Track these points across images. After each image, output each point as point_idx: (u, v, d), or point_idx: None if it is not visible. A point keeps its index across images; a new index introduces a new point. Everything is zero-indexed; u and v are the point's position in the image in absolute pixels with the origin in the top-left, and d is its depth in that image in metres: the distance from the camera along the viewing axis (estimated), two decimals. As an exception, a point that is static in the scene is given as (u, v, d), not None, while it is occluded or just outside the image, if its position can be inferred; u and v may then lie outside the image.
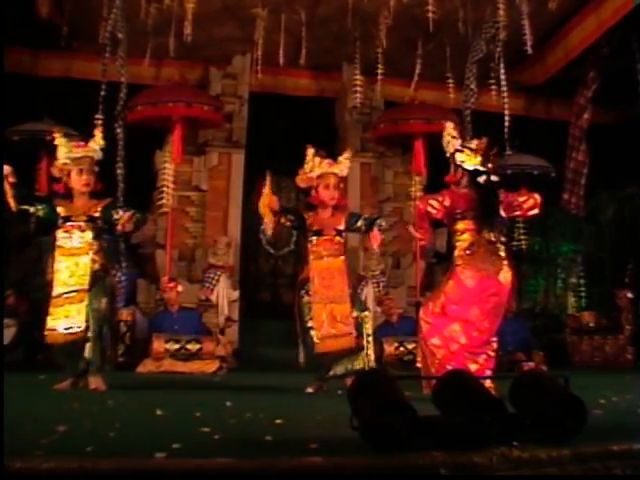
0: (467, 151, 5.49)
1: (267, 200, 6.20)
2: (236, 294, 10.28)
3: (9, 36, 9.96)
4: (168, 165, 10.18)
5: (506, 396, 3.17)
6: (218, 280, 10.08)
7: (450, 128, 5.70)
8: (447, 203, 5.46)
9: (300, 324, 6.30)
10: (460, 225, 5.47)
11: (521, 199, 5.69)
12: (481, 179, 5.35)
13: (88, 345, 5.81)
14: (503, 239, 5.56)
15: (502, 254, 5.44)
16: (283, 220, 6.30)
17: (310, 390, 6.02)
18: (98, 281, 5.89)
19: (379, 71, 9.45)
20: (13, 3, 9.19)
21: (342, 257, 6.30)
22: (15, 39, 10.25)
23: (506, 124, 9.02)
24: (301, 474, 2.51)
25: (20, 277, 9.56)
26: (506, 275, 5.40)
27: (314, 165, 6.33)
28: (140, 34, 9.21)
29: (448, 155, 5.65)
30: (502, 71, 8.97)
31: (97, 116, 8.63)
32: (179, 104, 9.95)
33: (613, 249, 11.13)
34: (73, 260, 5.87)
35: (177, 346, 8.60)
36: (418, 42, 9.77)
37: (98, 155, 6.13)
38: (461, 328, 5.30)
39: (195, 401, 5.04)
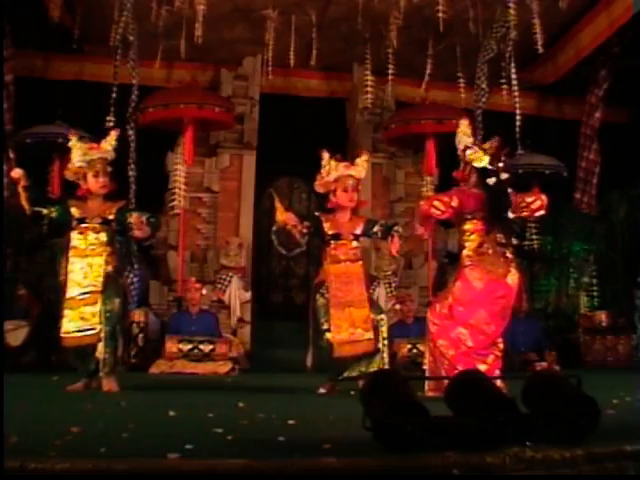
0: (478, 149, 5.48)
1: (283, 218, 6.24)
2: (248, 295, 10.28)
3: (21, 39, 10.04)
4: (180, 167, 10.21)
5: (519, 396, 3.17)
6: (230, 281, 10.10)
7: (464, 125, 5.68)
8: (455, 204, 5.41)
9: (314, 326, 6.29)
10: (469, 225, 5.45)
11: (529, 200, 5.68)
12: (490, 181, 5.32)
13: (100, 345, 5.84)
14: (513, 241, 5.52)
15: (510, 256, 5.43)
16: (301, 229, 6.28)
17: (322, 391, 6.02)
18: (111, 283, 5.91)
19: (390, 71, 9.43)
20: (25, 7, 9.25)
21: (360, 262, 6.31)
22: (27, 42, 10.32)
23: (517, 124, 8.99)
24: (314, 474, 2.51)
25: (33, 279, 9.59)
26: (514, 277, 5.39)
27: (330, 169, 6.32)
28: (151, 36, 9.24)
29: (459, 152, 5.64)
30: (513, 70, 8.95)
31: (109, 118, 8.66)
32: (190, 106, 9.97)
33: (625, 248, 11.07)
34: (87, 261, 5.90)
35: (190, 347, 8.61)
36: (429, 42, 9.75)
37: (111, 155, 6.16)
38: (468, 331, 5.29)
39: (208, 402, 5.05)
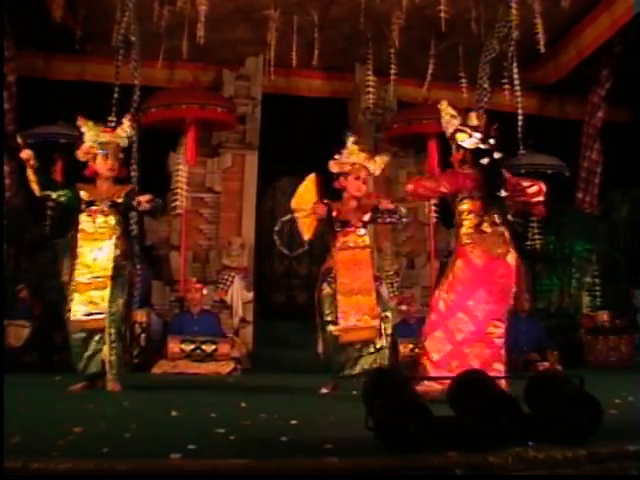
0: (468, 130, 5.46)
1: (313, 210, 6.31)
2: (250, 295, 10.29)
3: (23, 40, 10.04)
4: (182, 167, 10.21)
5: (521, 396, 3.17)
6: (232, 281, 10.09)
7: (446, 106, 5.64)
8: (445, 189, 5.46)
9: (319, 316, 6.30)
10: (466, 205, 5.42)
11: (525, 184, 5.68)
12: (484, 161, 5.29)
13: (105, 348, 5.85)
14: (509, 218, 5.53)
15: (507, 236, 5.44)
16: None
17: (325, 391, 6.02)
18: (119, 274, 5.95)
19: (392, 71, 9.43)
20: (27, 7, 9.25)
21: (368, 249, 6.36)
22: (29, 43, 10.32)
23: (519, 123, 8.98)
24: (316, 475, 2.52)
25: (35, 279, 9.60)
26: (513, 257, 5.40)
27: (352, 152, 6.37)
28: (153, 37, 9.24)
29: (448, 135, 5.61)
30: (515, 70, 8.94)
31: (110, 119, 8.66)
32: (193, 106, 9.97)
33: (628, 248, 11.06)
34: (96, 245, 5.94)
35: (192, 347, 8.62)
36: (431, 42, 9.74)
37: (124, 142, 6.25)
38: (466, 315, 5.21)
39: (210, 402, 5.05)
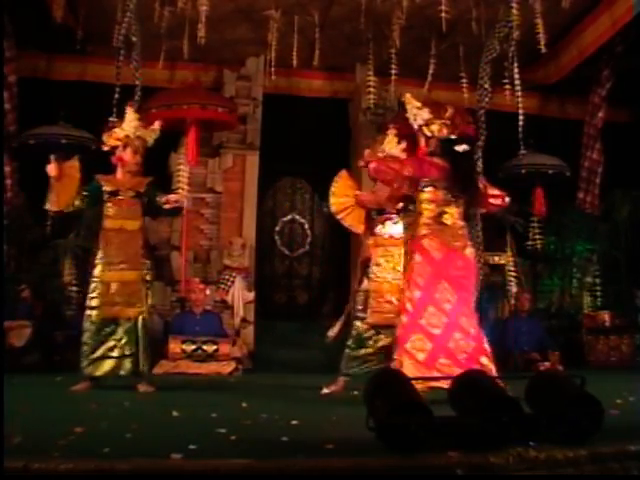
0: (438, 122, 5.43)
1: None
2: (251, 295, 10.29)
3: (24, 40, 10.04)
4: (183, 167, 10.20)
5: (522, 396, 3.17)
6: (233, 282, 10.10)
7: (411, 99, 5.62)
8: (408, 173, 5.32)
9: (353, 308, 6.47)
10: (428, 194, 5.30)
11: (492, 192, 5.54)
12: (460, 148, 5.25)
13: (141, 357, 6.00)
14: (476, 213, 5.42)
15: (465, 232, 5.33)
16: None
17: (326, 391, 6.03)
18: (145, 268, 6.10)
19: (393, 71, 9.41)
20: (28, 7, 9.25)
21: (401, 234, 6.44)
22: (30, 43, 10.32)
23: (520, 123, 8.97)
24: (317, 475, 2.52)
25: (36, 279, 9.61)
26: (471, 251, 5.31)
27: (389, 142, 6.47)
28: (154, 37, 9.23)
29: (416, 127, 5.54)
30: (516, 70, 8.92)
31: (111, 119, 8.65)
32: (193, 106, 9.96)
33: (629, 248, 11.05)
34: (124, 233, 6.06)
35: (193, 347, 8.62)
36: (431, 42, 9.73)
37: (150, 142, 6.40)
38: (436, 308, 5.09)
39: (211, 402, 5.06)
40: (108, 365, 6.00)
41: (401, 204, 6.36)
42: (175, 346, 8.58)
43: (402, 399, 2.92)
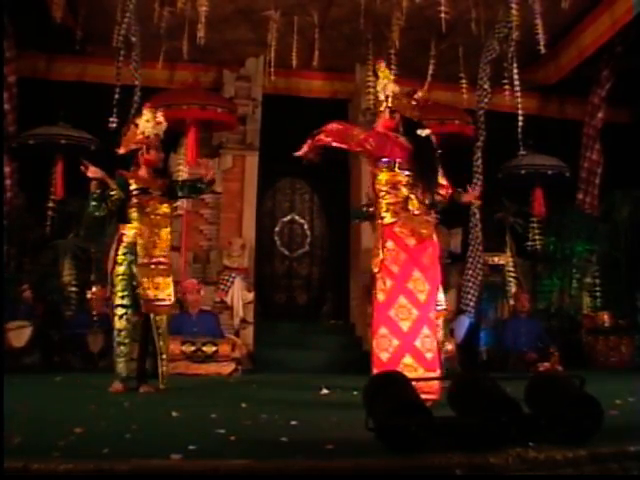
0: (405, 99, 5.33)
1: None
2: (251, 296, 10.28)
3: (24, 41, 10.05)
4: (182, 167, 10.20)
5: (522, 397, 3.17)
6: (233, 282, 10.10)
7: (385, 69, 5.56)
8: (370, 146, 5.12)
9: None
10: (395, 176, 5.09)
11: (440, 181, 5.37)
12: (423, 132, 5.13)
13: (161, 360, 6.04)
14: (435, 200, 5.22)
15: (432, 219, 5.22)
16: None
17: (325, 391, 6.02)
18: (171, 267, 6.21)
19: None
20: (28, 8, 9.25)
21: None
22: (30, 44, 10.32)
23: (520, 124, 8.98)
24: (317, 475, 2.52)
25: (36, 280, 9.61)
26: (436, 239, 5.17)
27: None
28: (154, 37, 9.24)
29: (383, 97, 5.45)
30: (515, 71, 8.93)
31: (111, 119, 8.66)
32: (193, 107, 9.97)
33: (628, 248, 11.05)
34: (155, 231, 6.05)
35: (193, 348, 8.62)
36: (431, 43, 9.74)
37: (162, 135, 6.37)
38: (408, 299, 4.89)
39: (210, 403, 5.06)
40: (134, 364, 6.04)
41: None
42: (174, 348, 8.56)
43: (402, 399, 2.92)
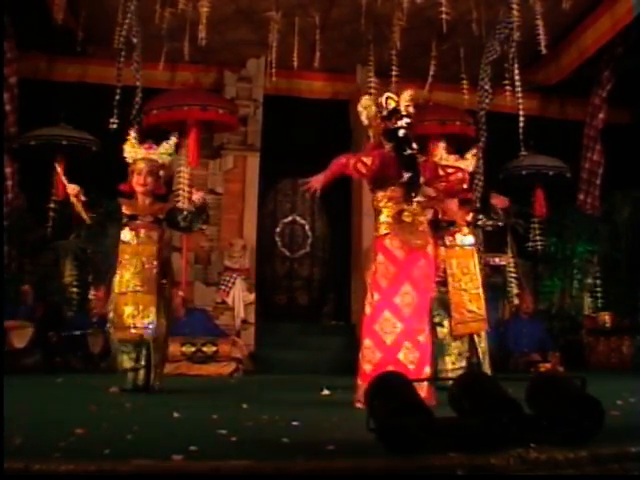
0: (376, 112, 5.26)
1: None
2: (252, 296, 10.29)
3: (25, 42, 10.05)
4: (184, 168, 10.21)
5: (523, 397, 3.17)
6: (234, 283, 10.10)
7: (362, 104, 5.38)
8: (375, 167, 5.09)
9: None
10: (388, 192, 5.12)
11: (450, 170, 5.69)
12: (401, 132, 5.02)
13: (153, 371, 6.01)
14: (423, 216, 5.21)
15: (426, 227, 5.22)
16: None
17: (326, 392, 6.02)
18: (162, 294, 6.06)
19: (393, 73, 9.43)
20: (29, 9, 9.26)
21: (473, 248, 6.75)
22: (31, 45, 10.33)
23: (521, 125, 8.98)
24: (318, 476, 2.52)
25: (37, 280, 9.62)
26: (431, 249, 5.22)
27: (442, 158, 6.50)
28: (155, 38, 9.24)
29: (385, 113, 5.23)
30: (516, 71, 8.93)
31: (112, 120, 8.66)
32: (194, 108, 9.97)
33: (629, 249, 11.05)
34: (139, 258, 6.00)
35: (193, 349, 8.62)
36: (432, 43, 9.74)
37: (163, 159, 6.27)
38: (393, 314, 4.94)
39: (212, 403, 5.06)
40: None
41: (471, 215, 6.55)
42: (174, 349, 8.55)
43: (402, 400, 2.92)
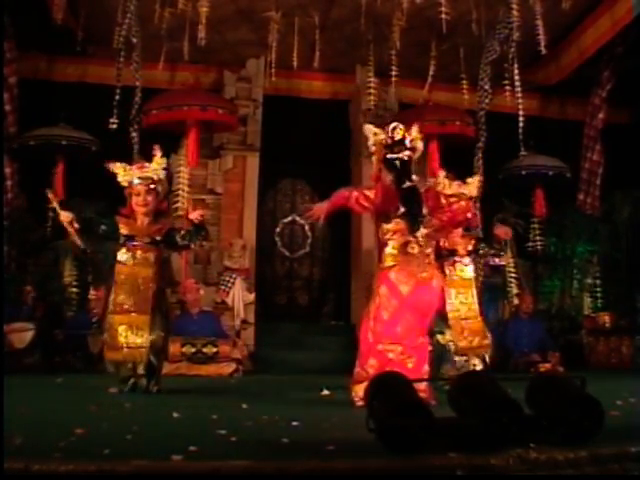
0: (397, 147, 5.24)
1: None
2: (252, 297, 10.29)
3: (25, 42, 10.05)
4: (183, 169, 10.21)
5: (522, 397, 3.17)
6: (234, 283, 10.10)
7: (371, 129, 5.43)
8: (378, 201, 5.15)
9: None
10: (393, 225, 5.17)
11: (452, 200, 5.72)
12: (397, 162, 5.08)
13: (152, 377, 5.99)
14: (429, 248, 5.23)
15: (432, 259, 5.27)
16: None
17: (326, 392, 6.02)
18: (157, 312, 5.99)
19: (393, 73, 9.42)
20: (29, 9, 9.26)
21: (472, 277, 6.75)
22: (31, 45, 10.33)
23: (520, 125, 8.98)
24: (318, 476, 2.52)
25: (37, 281, 9.62)
26: (438, 281, 5.27)
27: (445, 187, 6.41)
28: (154, 38, 9.24)
29: (389, 143, 5.26)
30: (516, 71, 8.93)
31: (112, 120, 8.66)
32: (194, 108, 9.98)
33: (629, 249, 11.06)
34: (135, 280, 5.94)
35: (193, 350, 8.62)
36: (432, 43, 9.73)
37: (157, 174, 6.18)
38: (394, 342, 5.06)
39: (211, 403, 5.06)
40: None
41: (472, 244, 6.55)
42: (175, 349, 8.56)
43: (402, 400, 2.92)
